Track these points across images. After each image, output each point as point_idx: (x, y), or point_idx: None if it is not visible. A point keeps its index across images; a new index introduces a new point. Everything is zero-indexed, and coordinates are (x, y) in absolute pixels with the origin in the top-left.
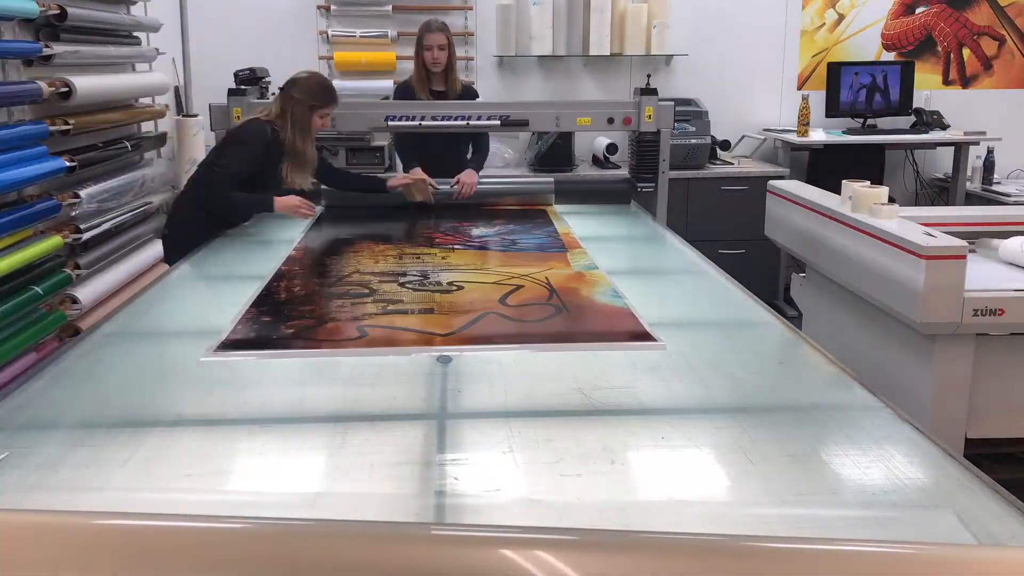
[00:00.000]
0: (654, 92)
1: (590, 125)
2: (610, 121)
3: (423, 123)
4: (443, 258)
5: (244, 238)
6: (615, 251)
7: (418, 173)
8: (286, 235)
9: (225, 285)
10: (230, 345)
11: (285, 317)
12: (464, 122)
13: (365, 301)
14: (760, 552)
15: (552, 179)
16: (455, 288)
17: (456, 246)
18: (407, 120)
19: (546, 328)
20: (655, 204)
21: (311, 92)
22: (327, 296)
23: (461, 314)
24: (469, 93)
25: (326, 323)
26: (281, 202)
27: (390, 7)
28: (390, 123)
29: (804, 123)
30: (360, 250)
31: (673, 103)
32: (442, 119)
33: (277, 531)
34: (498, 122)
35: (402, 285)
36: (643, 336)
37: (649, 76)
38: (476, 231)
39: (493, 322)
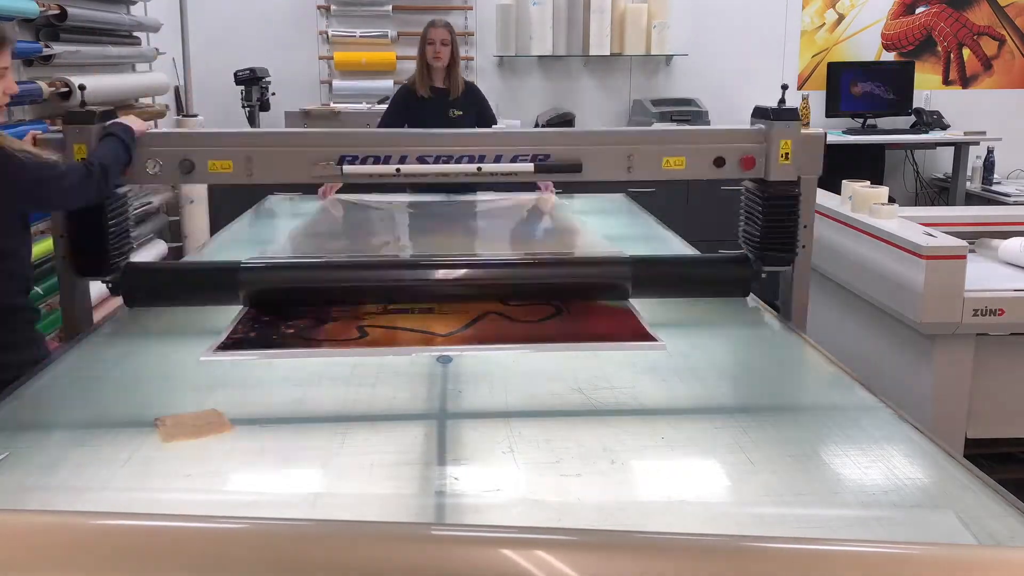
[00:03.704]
0: (793, 115)
1: (684, 170)
2: (718, 163)
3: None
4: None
5: (245, 238)
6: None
7: None
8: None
9: None
10: (230, 345)
11: (285, 317)
12: (475, 167)
13: (365, 301)
14: (760, 552)
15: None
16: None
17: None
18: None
19: (546, 328)
20: (790, 295)
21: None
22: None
23: (461, 313)
24: (472, 91)
25: (326, 323)
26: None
27: (390, 7)
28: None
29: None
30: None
31: (824, 133)
32: (455, 161)
33: (277, 531)
34: (530, 167)
35: None
36: (644, 336)
37: (785, 88)
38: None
39: (493, 322)
